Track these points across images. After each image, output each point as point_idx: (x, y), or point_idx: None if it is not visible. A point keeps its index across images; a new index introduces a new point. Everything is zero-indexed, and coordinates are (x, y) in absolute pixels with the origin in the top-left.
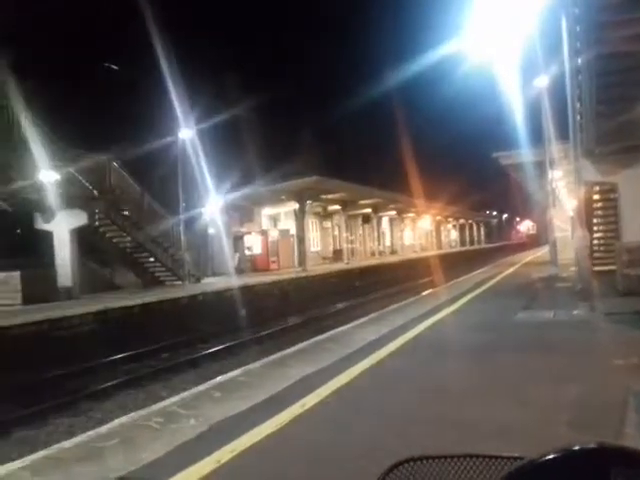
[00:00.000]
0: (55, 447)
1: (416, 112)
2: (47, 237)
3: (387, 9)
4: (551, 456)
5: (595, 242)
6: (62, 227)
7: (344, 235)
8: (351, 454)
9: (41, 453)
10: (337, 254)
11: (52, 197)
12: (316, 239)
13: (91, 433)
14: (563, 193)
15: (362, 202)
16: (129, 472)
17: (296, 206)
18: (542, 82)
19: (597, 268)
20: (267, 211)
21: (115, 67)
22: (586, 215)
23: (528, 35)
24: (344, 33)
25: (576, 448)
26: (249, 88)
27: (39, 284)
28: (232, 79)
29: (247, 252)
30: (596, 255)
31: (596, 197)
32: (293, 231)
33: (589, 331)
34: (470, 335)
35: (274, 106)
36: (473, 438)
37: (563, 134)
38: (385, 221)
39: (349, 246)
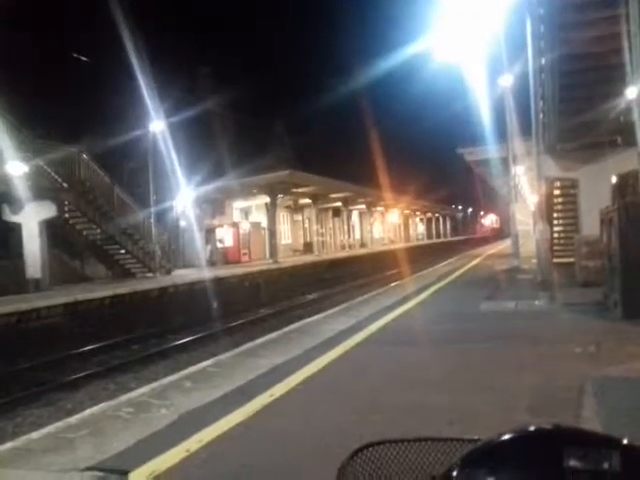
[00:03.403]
0: (23, 438)
1: (385, 108)
2: (16, 229)
3: (358, 6)
4: (507, 436)
5: (555, 235)
6: (31, 219)
7: (315, 228)
8: (318, 442)
9: (9, 444)
10: (308, 247)
11: (20, 189)
12: (287, 232)
13: (60, 424)
14: (525, 188)
15: (332, 196)
16: (98, 462)
17: (267, 199)
18: (506, 81)
19: (557, 260)
20: (239, 204)
21: (85, 58)
22: (547, 209)
23: (494, 34)
24: (315, 28)
25: (531, 429)
26: (220, 82)
27: (7, 276)
28: (203, 72)
29: (219, 244)
30: (556, 248)
31: (557, 192)
32: (264, 224)
33: (549, 321)
34: (435, 325)
35: (245, 100)
36: (437, 423)
37: (526, 131)
38: (355, 214)
39: (319, 239)
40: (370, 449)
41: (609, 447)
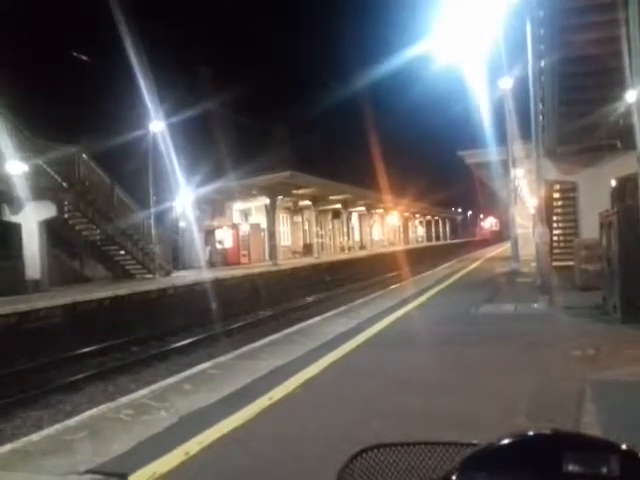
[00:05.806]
0: (23, 440)
1: (385, 110)
2: (15, 229)
3: (360, 9)
4: (507, 441)
5: (555, 239)
6: (30, 219)
7: (314, 230)
8: (317, 446)
9: (8, 446)
10: (307, 248)
11: (20, 188)
12: (286, 233)
13: (59, 426)
14: (525, 191)
15: (332, 198)
16: (98, 465)
17: (267, 201)
18: (506, 83)
19: (556, 263)
20: (238, 205)
21: (84, 58)
22: (546, 212)
23: (494, 37)
24: (317, 30)
25: (531, 434)
26: (221, 82)
27: (6, 276)
28: (203, 73)
29: (218, 246)
30: (556, 251)
31: (556, 195)
32: (264, 225)
33: (548, 324)
34: (434, 328)
35: (246, 101)
36: (437, 428)
37: (526, 134)
38: (355, 216)
39: (319, 241)
40: (369, 453)
41: (608, 452)
